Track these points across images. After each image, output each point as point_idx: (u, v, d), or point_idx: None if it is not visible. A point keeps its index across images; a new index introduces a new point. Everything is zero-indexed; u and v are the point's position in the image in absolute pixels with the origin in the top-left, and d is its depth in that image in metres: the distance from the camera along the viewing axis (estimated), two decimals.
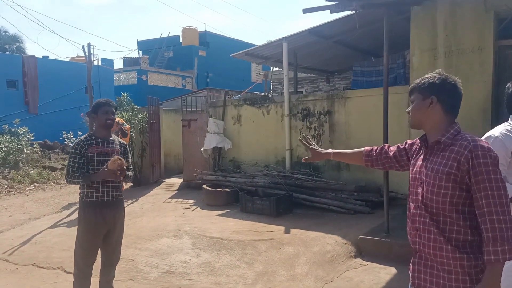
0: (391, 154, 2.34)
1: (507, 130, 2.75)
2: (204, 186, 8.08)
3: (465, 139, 1.91)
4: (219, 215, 7.00)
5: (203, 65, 27.97)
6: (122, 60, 28.28)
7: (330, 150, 2.56)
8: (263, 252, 5.19)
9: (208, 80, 27.74)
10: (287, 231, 5.87)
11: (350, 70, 10.03)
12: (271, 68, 13.12)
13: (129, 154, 3.85)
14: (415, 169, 2.12)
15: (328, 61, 11.11)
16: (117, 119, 8.68)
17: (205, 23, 54.75)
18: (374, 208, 6.53)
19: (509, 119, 2.82)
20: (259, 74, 15.82)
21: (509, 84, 2.93)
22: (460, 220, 1.89)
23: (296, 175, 7.64)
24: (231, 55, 10.04)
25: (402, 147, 2.31)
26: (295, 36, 8.09)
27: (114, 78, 24.66)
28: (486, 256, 1.78)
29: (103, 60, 24.73)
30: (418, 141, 2.16)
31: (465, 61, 6.25)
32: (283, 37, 8.02)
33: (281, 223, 6.28)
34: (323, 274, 4.58)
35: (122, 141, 3.78)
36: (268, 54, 9.38)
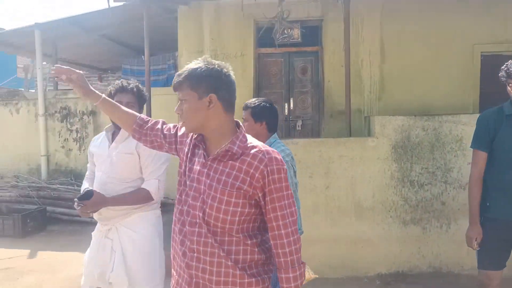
0: (165, 132, 1.86)
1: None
2: None
3: (258, 150, 1.59)
4: None
5: None
6: None
7: (101, 94, 1.89)
8: None
9: None
10: (32, 256, 4.83)
11: None
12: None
13: None
14: (192, 175, 1.67)
15: (98, 57, 10.12)
16: None
17: None
18: None
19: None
20: (18, 66, 13.48)
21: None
22: (247, 239, 1.61)
23: (53, 185, 6.53)
24: None
25: (174, 131, 1.86)
26: (51, 23, 6.94)
27: None
28: (285, 284, 1.60)
29: None
30: (190, 138, 1.74)
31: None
32: (35, 23, 6.78)
33: (27, 245, 5.18)
34: None
35: None
36: (19, 42, 7.84)
